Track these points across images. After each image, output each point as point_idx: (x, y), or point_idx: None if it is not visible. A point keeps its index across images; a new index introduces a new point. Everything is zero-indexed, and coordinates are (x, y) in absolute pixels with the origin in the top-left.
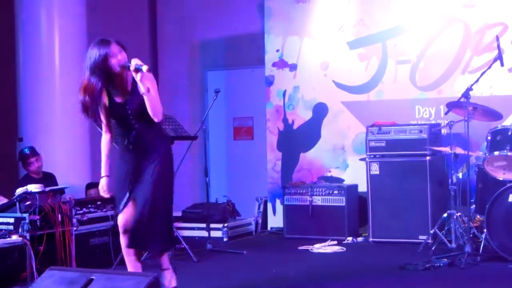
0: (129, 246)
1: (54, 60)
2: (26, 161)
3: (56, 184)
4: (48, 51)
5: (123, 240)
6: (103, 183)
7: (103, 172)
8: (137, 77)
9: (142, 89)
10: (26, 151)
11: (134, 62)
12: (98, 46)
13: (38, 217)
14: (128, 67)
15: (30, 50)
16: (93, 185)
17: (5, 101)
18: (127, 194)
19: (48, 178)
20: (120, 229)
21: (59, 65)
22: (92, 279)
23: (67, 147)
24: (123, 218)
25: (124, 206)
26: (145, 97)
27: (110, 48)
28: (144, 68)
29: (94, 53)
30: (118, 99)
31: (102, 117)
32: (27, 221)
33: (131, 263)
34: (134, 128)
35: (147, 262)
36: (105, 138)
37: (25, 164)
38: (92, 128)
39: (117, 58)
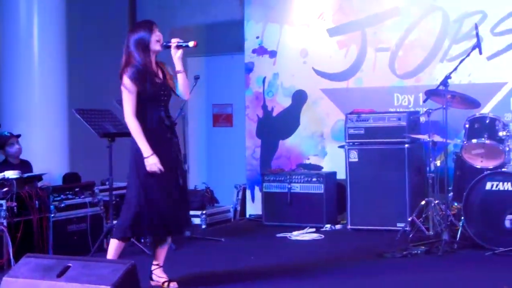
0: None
1: (33, 47)
2: (6, 142)
3: (32, 172)
4: (26, 37)
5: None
6: (155, 160)
7: (149, 150)
8: (178, 54)
9: (178, 67)
10: (6, 133)
11: (175, 40)
12: (147, 27)
13: (15, 203)
14: (169, 46)
15: (9, 37)
16: (70, 175)
17: None
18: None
19: (24, 165)
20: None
21: (38, 51)
22: (69, 266)
23: (45, 135)
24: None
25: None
26: (180, 76)
27: (155, 32)
28: (191, 43)
29: (141, 33)
30: (157, 79)
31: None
32: (4, 207)
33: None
34: (166, 109)
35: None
36: (136, 120)
37: (6, 145)
38: (70, 116)
39: (157, 35)
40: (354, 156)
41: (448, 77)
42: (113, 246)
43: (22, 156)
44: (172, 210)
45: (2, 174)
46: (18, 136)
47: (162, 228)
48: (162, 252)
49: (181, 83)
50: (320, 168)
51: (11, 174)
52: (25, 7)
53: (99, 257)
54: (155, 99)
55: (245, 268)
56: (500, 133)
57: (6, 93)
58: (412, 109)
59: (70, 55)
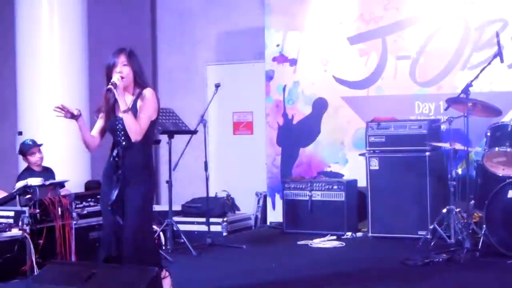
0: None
1: (55, 54)
2: (28, 151)
3: (55, 179)
4: (48, 44)
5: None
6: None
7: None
8: (115, 94)
9: (121, 106)
10: (29, 141)
11: (114, 78)
12: (112, 54)
13: (38, 210)
14: (111, 84)
15: (30, 44)
16: (93, 183)
17: (5, 95)
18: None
19: (47, 172)
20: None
21: (59, 59)
22: (94, 272)
23: (67, 143)
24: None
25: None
26: (122, 115)
27: (117, 59)
28: (108, 88)
29: (108, 60)
30: (118, 112)
31: (99, 124)
32: (27, 214)
33: None
34: (121, 145)
35: None
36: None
37: (28, 154)
38: (92, 124)
39: (115, 68)
40: (375, 164)
41: (469, 85)
42: None
43: (44, 163)
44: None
45: (25, 181)
46: (40, 145)
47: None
48: None
49: (125, 124)
50: (341, 176)
51: (34, 181)
52: (46, 14)
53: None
54: (111, 133)
55: (266, 275)
56: None
57: (27, 101)
58: (433, 117)
59: (91, 62)
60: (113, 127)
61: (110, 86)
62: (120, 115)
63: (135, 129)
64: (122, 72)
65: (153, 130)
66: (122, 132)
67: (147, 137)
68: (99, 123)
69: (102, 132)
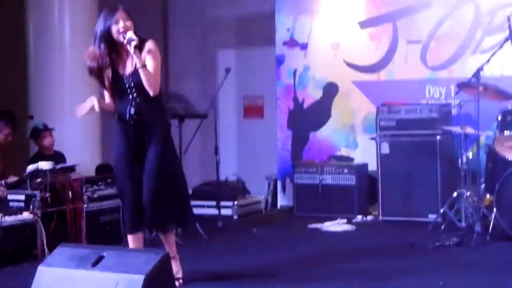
0: (141, 228)
1: (65, 37)
2: (39, 135)
3: (65, 163)
4: (58, 27)
5: (130, 222)
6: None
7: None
8: (131, 49)
9: (137, 62)
10: (40, 125)
11: (129, 35)
12: (106, 14)
13: (49, 194)
14: (124, 38)
15: (41, 27)
16: (104, 166)
17: (15, 79)
18: (131, 177)
19: (58, 157)
20: (130, 213)
21: (70, 42)
22: (103, 255)
23: (77, 126)
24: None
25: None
26: (139, 71)
27: (115, 16)
28: (133, 44)
29: (101, 21)
30: (123, 71)
31: (107, 90)
32: (38, 198)
33: (134, 245)
34: (136, 101)
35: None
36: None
37: (39, 137)
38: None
39: (118, 25)
40: (385, 148)
41: (480, 69)
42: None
43: (55, 147)
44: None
45: (36, 165)
46: (52, 129)
47: (130, 218)
48: (165, 243)
49: (142, 79)
50: (351, 159)
51: (44, 165)
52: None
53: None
54: (121, 93)
55: (277, 258)
56: None
57: (39, 85)
58: (444, 101)
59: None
60: (121, 87)
61: (135, 42)
62: (128, 71)
63: (153, 82)
64: (127, 26)
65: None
66: (134, 89)
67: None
68: (106, 91)
69: (114, 97)
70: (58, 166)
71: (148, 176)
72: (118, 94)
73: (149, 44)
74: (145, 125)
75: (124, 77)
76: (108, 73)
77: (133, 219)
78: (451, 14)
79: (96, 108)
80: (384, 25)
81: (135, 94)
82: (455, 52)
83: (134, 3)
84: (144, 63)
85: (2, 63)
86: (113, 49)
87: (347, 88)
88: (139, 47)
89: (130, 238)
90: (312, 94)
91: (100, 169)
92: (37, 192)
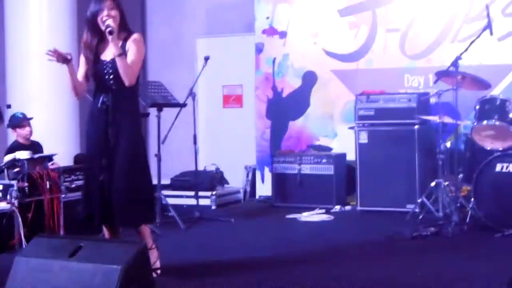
0: (116, 224)
1: (42, 26)
2: (19, 124)
3: (43, 153)
4: (37, 15)
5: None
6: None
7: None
8: (109, 38)
9: (114, 51)
10: (19, 114)
11: (108, 22)
12: (94, 1)
13: (27, 184)
14: (105, 26)
15: (18, 15)
16: (82, 156)
17: None
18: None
19: (35, 146)
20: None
21: (47, 30)
22: (81, 246)
23: (56, 116)
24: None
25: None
26: (116, 59)
27: (101, 4)
28: (109, 31)
29: (90, 8)
30: (104, 57)
31: (82, 69)
32: (15, 188)
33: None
34: (111, 89)
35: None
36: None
37: (18, 127)
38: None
39: (102, 14)
40: (364, 138)
41: (458, 58)
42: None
43: (33, 137)
44: (98, 197)
45: (13, 154)
46: (30, 118)
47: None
48: (139, 236)
49: (119, 68)
50: (330, 149)
51: (22, 154)
52: None
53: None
54: (98, 78)
55: (255, 249)
56: (511, 115)
57: (16, 74)
58: (422, 90)
59: (80, 34)
60: (100, 72)
61: (109, 29)
62: (109, 58)
63: (129, 72)
64: (110, 15)
65: (139, 75)
66: (112, 76)
67: (136, 80)
68: (82, 68)
69: (87, 78)
70: (36, 156)
71: (117, 174)
72: (95, 80)
73: (134, 36)
74: (115, 113)
75: (104, 63)
76: (90, 56)
77: (100, 212)
78: (430, 2)
79: (69, 58)
80: (363, 13)
81: (111, 82)
82: (434, 41)
83: None
84: (120, 52)
85: None
86: (98, 35)
87: (326, 77)
88: (125, 39)
89: (105, 229)
90: (291, 83)
91: (78, 159)
92: (14, 182)
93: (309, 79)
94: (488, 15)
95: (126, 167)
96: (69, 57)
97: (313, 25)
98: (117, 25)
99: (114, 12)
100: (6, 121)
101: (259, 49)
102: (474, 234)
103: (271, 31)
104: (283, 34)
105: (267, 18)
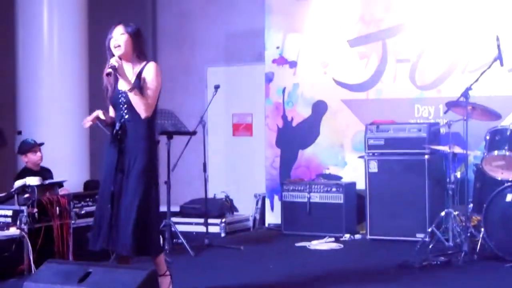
0: (127, 253)
1: (53, 53)
2: (30, 150)
3: (53, 179)
4: (48, 43)
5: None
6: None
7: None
8: (118, 76)
9: (125, 86)
10: (30, 140)
11: (111, 61)
12: (111, 29)
13: (36, 210)
14: (111, 68)
15: (30, 42)
16: (91, 183)
17: (4, 94)
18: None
19: (45, 172)
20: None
21: (58, 57)
22: (90, 272)
23: (66, 142)
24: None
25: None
26: (129, 95)
27: (112, 31)
28: (109, 71)
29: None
30: (120, 86)
31: (109, 101)
32: (25, 213)
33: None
34: (124, 118)
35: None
36: None
37: (29, 152)
38: (93, 130)
39: (110, 42)
40: (374, 167)
41: (469, 88)
42: None
43: (43, 163)
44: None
45: (24, 180)
46: (41, 144)
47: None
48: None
49: (132, 102)
50: (339, 178)
51: (32, 180)
52: (46, 11)
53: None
54: (114, 107)
55: (264, 276)
56: None
57: (27, 100)
58: (432, 121)
59: (91, 62)
60: (115, 101)
61: (109, 70)
62: (124, 88)
63: (144, 105)
64: (118, 40)
65: (157, 104)
66: (125, 106)
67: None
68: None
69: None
70: (46, 182)
71: (129, 205)
72: (113, 107)
73: (150, 66)
74: (127, 142)
75: (119, 93)
76: (111, 85)
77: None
78: (440, 33)
79: (101, 116)
80: (373, 43)
81: (125, 112)
82: (444, 72)
83: (123, 19)
84: (132, 86)
85: None
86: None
87: (336, 106)
88: (142, 66)
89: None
90: (301, 112)
91: (88, 185)
92: (24, 208)
93: (319, 108)
94: (498, 46)
95: (136, 198)
96: (99, 114)
97: (323, 55)
98: (129, 50)
99: (122, 38)
100: (16, 147)
101: (269, 78)
102: (484, 264)
103: (281, 61)
104: (293, 64)
105: (277, 47)
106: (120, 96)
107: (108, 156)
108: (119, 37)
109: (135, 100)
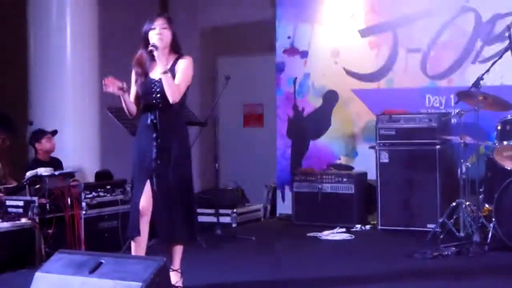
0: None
1: (66, 43)
2: (44, 136)
3: (63, 169)
4: (59, 33)
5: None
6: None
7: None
8: (155, 55)
9: (160, 67)
10: (42, 129)
11: (153, 39)
12: (149, 20)
13: (48, 200)
14: (153, 46)
15: (41, 33)
16: (103, 173)
17: (16, 84)
18: (145, 182)
19: (55, 163)
20: (141, 216)
21: (70, 48)
22: (101, 262)
23: (78, 133)
24: (145, 205)
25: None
26: (161, 77)
27: (154, 23)
28: (153, 49)
29: (144, 26)
30: (153, 75)
31: (134, 88)
32: (36, 204)
33: (136, 251)
34: (158, 107)
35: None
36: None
37: (43, 139)
38: (102, 114)
39: (154, 31)
40: (384, 157)
41: (480, 78)
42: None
43: (54, 154)
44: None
45: (35, 171)
46: (55, 132)
47: (138, 228)
48: (172, 256)
49: (164, 86)
50: (350, 168)
51: (43, 171)
52: (55, 6)
53: (130, 254)
54: (145, 96)
55: (275, 267)
56: None
57: (38, 91)
58: (443, 111)
59: (102, 55)
60: (147, 90)
61: (151, 47)
62: (157, 77)
63: (174, 90)
64: (161, 34)
65: (187, 95)
66: (159, 95)
67: (183, 100)
68: (134, 87)
69: (138, 99)
70: (57, 173)
71: (170, 191)
72: (143, 97)
73: (185, 58)
74: (163, 130)
75: (152, 82)
76: (140, 72)
77: (138, 224)
78: (451, 23)
79: (125, 88)
80: (384, 33)
81: (158, 100)
82: (455, 61)
83: (135, 11)
84: (165, 69)
85: (2, 69)
86: (150, 53)
87: (347, 96)
88: (176, 60)
89: (132, 245)
90: (312, 102)
91: (99, 175)
92: (35, 198)
93: (330, 98)
94: (509, 36)
95: (178, 185)
96: (125, 87)
97: (334, 44)
98: (168, 45)
99: (166, 31)
100: (28, 138)
101: (280, 68)
102: (495, 254)
103: (292, 51)
104: (304, 54)
105: (288, 37)
106: (153, 84)
107: (140, 146)
108: (161, 31)
109: (168, 83)
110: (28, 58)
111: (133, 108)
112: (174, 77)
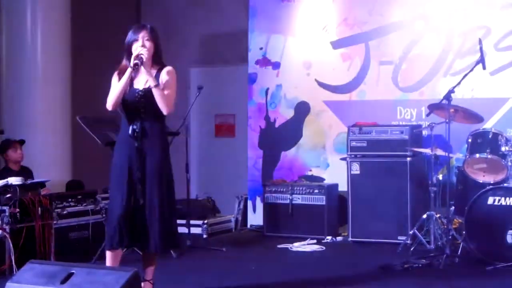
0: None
1: (37, 52)
2: (11, 146)
3: (33, 179)
4: (31, 44)
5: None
6: None
7: None
8: (141, 70)
9: (150, 81)
10: (11, 138)
11: (138, 50)
12: (133, 29)
13: (18, 210)
14: (138, 59)
15: (14, 42)
16: (74, 183)
17: None
18: (125, 191)
19: (25, 172)
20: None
21: (41, 57)
22: (73, 273)
23: (49, 142)
24: (124, 214)
25: (125, 202)
26: (153, 90)
27: (139, 34)
28: (138, 60)
29: (128, 36)
30: (137, 85)
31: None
32: (7, 213)
33: (112, 261)
34: (141, 117)
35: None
36: None
37: (9, 149)
38: (74, 124)
39: (137, 43)
40: (356, 169)
41: (451, 91)
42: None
43: (25, 163)
44: (128, 222)
45: (5, 180)
46: (22, 142)
47: (118, 239)
48: (146, 266)
49: (156, 99)
50: (322, 180)
51: (14, 180)
52: (29, 15)
53: (101, 264)
54: (129, 106)
55: (246, 278)
56: (503, 148)
57: (10, 100)
58: (415, 123)
59: (74, 63)
60: (131, 99)
61: (137, 61)
62: (141, 87)
63: (166, 102)
64: (145, 46)
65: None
66: (142, 105)
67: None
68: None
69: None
70: (28, 182)
71: (151, 201)
72: (125, 107)
73: (168, 69)
74: (145, 141)
75: (136, 91)
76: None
77: (119, 234)
78: (423, 36)
79: (138, 65)
80: (356, 45)
81: (141, 110)
82: (427, 74)
83: (107, 21)
84: (155, 83)
85: None
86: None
87: (319, 108)
88: (158, 70)
89: (109, 254)
90: (283, 113)
91: (70, 185)
92: (6, 208)
93: (302, 109)
94: (481, 49)
95: (159, 194)
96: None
97: (306, 56)
98: (150, 57)
99: (148, 44)
100: None
101: (252, 79)
102: (465, 267)
103: (264, 62)
104: (276, 65)
105: (261, 48)
106: (137, 94)
107: (122, 155)
108: (145, 43)
109: (160, 95)
110: (1, 69)
111: (120, 99)
112: (161, 81)
